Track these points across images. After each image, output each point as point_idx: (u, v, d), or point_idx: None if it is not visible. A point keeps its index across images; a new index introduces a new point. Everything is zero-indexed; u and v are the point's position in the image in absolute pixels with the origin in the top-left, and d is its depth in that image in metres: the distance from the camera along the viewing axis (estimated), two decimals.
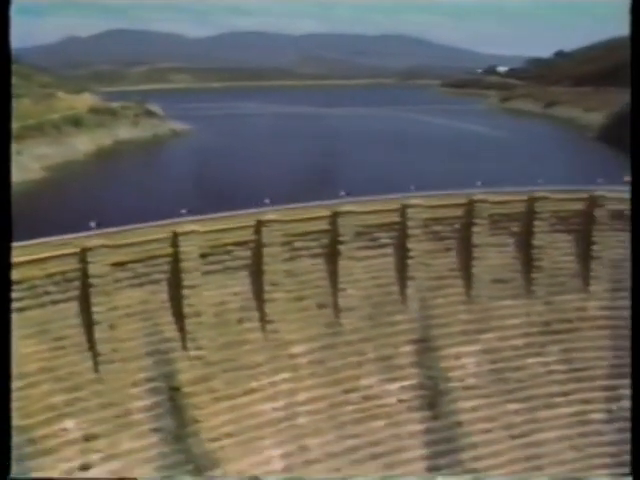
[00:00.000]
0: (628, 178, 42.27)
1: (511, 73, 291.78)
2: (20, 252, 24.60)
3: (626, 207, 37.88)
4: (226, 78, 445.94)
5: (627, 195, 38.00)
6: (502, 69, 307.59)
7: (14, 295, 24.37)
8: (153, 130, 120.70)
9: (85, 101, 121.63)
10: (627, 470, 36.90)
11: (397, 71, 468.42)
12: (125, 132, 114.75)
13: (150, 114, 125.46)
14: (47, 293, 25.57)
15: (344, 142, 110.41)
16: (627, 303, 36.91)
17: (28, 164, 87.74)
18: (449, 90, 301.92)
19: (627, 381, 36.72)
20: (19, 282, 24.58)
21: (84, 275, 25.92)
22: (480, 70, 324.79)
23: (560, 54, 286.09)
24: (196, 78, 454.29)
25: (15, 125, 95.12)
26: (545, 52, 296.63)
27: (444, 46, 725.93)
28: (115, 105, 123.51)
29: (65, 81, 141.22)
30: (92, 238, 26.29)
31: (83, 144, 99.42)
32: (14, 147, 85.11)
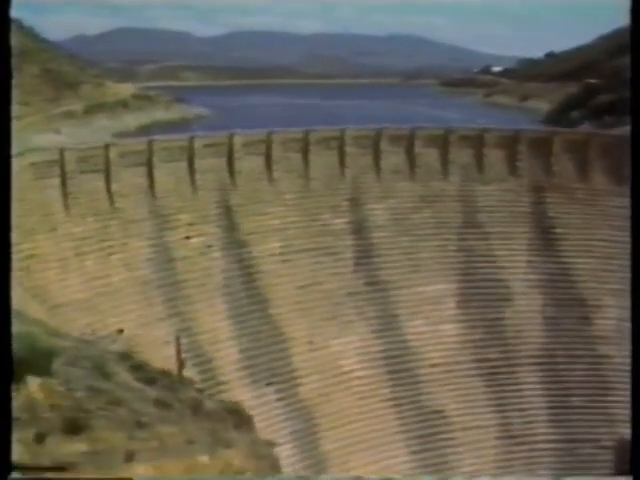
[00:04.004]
0: (482, 122, 77.74)
1: (504, 72, 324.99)
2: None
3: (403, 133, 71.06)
4: (234, 76, 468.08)
5: (476, 128, 71.61)
6: (496, 69, 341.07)
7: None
8: (182, 114, 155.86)
9: (128, 89, 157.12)
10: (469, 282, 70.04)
11: (400, 70, 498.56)
12: (160, 114, 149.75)
13: (179, 101, 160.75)
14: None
15: (341, 121, 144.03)
16: (473, 188, 70.46)
17: (98, 131, 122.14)
18: (446, 89, 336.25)
19: (474, 230, 70.02)
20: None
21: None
22: (476, 70, 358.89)
23: (550, 54, 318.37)
24: (205, 76, 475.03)
25: (85, 104, 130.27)
26: (539, 52, 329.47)
27: (448, 46, 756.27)
28: (151, 93, 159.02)
29: (110, 72, 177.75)
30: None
31: (131, 121, 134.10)
32: (86, 119, 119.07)
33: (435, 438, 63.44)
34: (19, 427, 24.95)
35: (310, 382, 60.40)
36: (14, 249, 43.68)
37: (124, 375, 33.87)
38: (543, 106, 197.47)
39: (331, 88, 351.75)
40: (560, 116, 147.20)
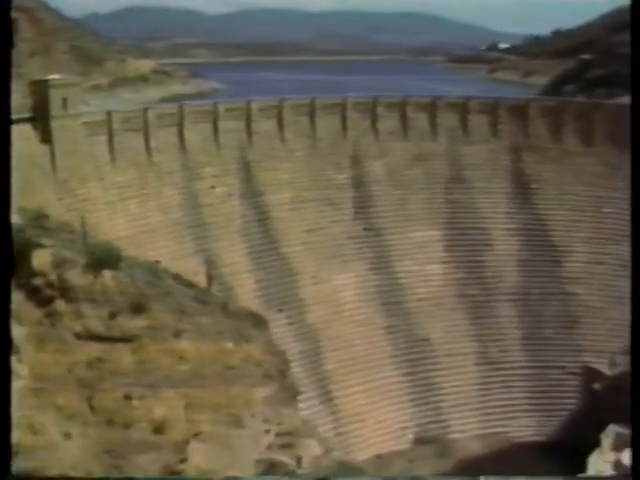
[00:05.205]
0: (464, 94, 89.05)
1: (510, 49, 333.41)
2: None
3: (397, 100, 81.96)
4: (245, 53, 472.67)
5: (461, 96, 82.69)
6: (503, 46, 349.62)
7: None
8: (198, 88, 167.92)
9: (147, 65, 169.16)
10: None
11: (410, 48, 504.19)
12: (178, 88, 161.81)
13: (195, 76, 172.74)
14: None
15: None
16: (458, 148, 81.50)
17: (123, 103, 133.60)
18: (453, 65, 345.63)
19: (459, 184, 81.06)
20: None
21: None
22: (483, 47, 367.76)
23: (556, 32, 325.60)
24: (216, 53, 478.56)
25: (110, 78, 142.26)
26: (549, 30, 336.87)
27: (459, 23, 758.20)
28: (169, 69, 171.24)
29: (131, 49, 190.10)
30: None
31: (152, 94, 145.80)
32: (112, 92, 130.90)
33: (422, 362, 74.17)
34: (97, 307, 37.37)
35: (315, 310, 71.79)
36: (72, 194, 56.01)
37: (169, 280, 45.93)
38: (544, 81, 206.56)
39: (341, 65, 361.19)
40: (555, 89, 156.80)
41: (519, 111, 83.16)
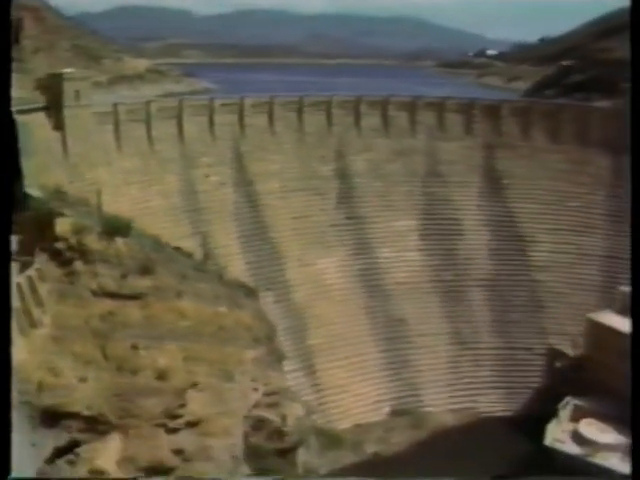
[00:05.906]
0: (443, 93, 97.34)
1: (498, 56, 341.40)
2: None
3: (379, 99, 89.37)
4: (237, 54, 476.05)
5: (439, 96, 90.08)
6: (491, 52, 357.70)
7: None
8: (191, 87, 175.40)
9: (142, 64, 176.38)
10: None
11: (401, 52, 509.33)
12: (172, 87, 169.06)
13: (188, 75, 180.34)
14: None
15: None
16: (436, 144, 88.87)
17: (121, 99, 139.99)
18: (442, 70, 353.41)
19: (436, 178, 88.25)
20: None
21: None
22: (471, 53, 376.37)
23: (543, 39, 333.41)
24: (208, 54, 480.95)
25: (108, 76, 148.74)
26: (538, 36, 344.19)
27: (450, 29, 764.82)
28: (163, 68, 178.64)
29: (126, 49, 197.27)
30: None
31: (148, 91, 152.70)
32: (110, 89, 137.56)
33: (399, 341, 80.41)
34: (110, 268, 45.40)
35: (300, 290, 78.11)
36: (81, 177, 63.99)
37: (171, 250, 53.37)
38: (527, 86, 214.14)
39: (332, 68, 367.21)
40: (536, 94, 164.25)
41: (492, 111, 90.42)
